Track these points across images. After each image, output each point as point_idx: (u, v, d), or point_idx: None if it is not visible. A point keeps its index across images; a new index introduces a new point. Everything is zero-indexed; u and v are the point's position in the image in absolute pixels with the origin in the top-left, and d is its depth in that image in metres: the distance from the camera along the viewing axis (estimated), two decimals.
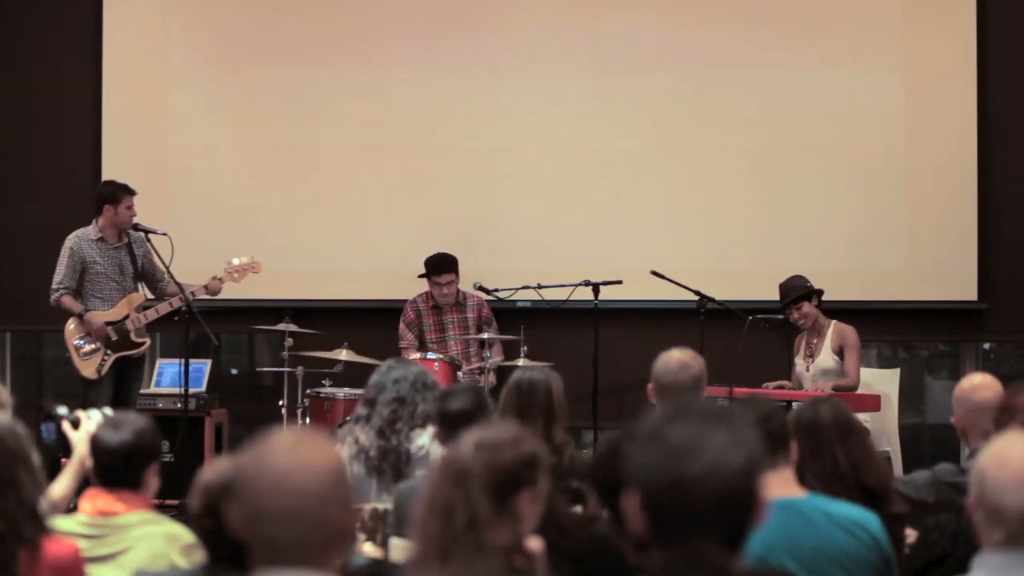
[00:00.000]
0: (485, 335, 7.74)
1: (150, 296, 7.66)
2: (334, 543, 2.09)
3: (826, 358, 7.22)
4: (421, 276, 7.98)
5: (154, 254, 7.40)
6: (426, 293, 8.07)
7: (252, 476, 2.08)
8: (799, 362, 7.34)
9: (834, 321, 7.30)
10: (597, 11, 8.44)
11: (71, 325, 7.35)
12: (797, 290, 7.25)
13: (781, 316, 7.42)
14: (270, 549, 2.05)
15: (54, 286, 7.38)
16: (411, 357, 7.54)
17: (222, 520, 2.70)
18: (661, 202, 8.43)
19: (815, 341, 7.30)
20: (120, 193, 7.41)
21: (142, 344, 7.48)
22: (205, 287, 7.41)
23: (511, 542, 2.61)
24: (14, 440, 3.09)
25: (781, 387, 7.19)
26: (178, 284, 7.21)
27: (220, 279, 7.47)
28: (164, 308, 7.40)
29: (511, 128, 8.47)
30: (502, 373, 7.26)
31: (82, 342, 7.33)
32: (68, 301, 7.35)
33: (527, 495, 2.66)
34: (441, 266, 7.91)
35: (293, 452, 2.09)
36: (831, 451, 3.70)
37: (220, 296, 7.65)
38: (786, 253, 8.23)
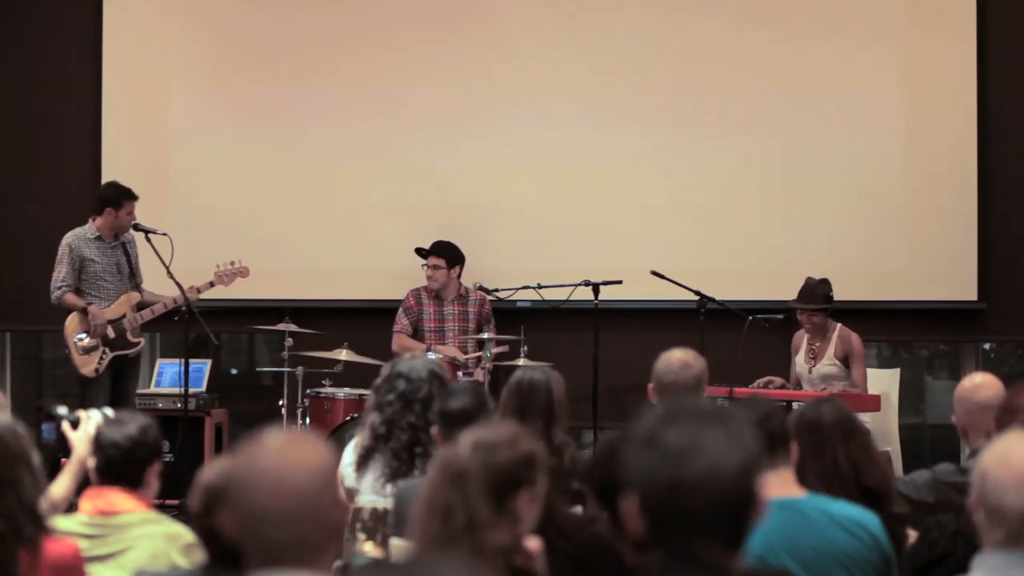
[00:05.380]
0: (485, 335, 7.73)
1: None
2: (331, 541, 2.09)
3: (828, 363, 7.18)
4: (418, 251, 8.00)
5: (154, 255, 7.37)
6: None
7: (247, 480, 2.07)
8: (800, 362, 7.32)
9: (839, 325, 7.24)
10: (597, 13, 8.44)
11: (71, 321, 7.34)
12: (819, 300, 7.17)
13: (781, 316, 7.40)
14: (269, 551, 2.04)
15: (55, 284, 7.36)
16: (403, 343, 7.61)
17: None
18: (661, 202, 8.42)
19: (818, 344, 7.24)
20: (123, 198, 7.40)
21: (137, 344, 7.48)
22: (197, 289, 7.36)
23: (510, 542, 2.61)
24: (14, 440, 3.09)
25: (771, 384, 7.14)
26: (178, 284, 7.19)
27: (210, 283, 7.46)
28: (159, 309, 7.40)
29: (511, 128, 8.46)
30: (500, 373, 7.26)
31: (81, 337, 7.31)
32: (71, 298, 7.34)
33: (525, 495, 2.66)
34: (431, 248, 7.95)
35: (285, 453, 2.09)
36: (832, 451, 3.70)
37: (220, 296, 7.63)
38: (786, 253, 8.23)
